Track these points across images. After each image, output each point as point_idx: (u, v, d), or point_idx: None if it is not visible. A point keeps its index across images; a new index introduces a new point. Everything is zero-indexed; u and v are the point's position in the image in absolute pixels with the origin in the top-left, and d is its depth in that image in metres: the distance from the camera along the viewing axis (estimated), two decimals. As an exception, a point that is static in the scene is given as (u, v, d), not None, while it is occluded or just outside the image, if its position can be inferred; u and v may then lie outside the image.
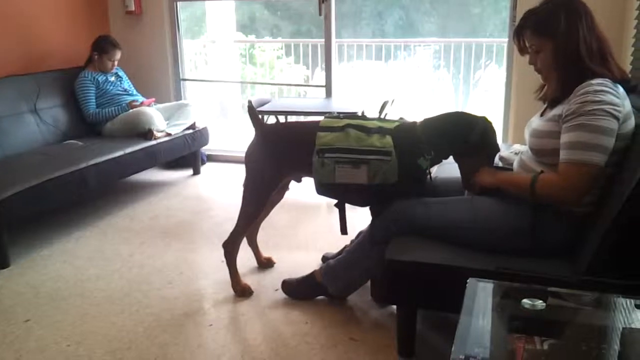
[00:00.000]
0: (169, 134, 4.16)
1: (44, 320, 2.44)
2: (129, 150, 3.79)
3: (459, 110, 2.30)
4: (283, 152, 2.40)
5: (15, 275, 2.89)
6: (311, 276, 2.52)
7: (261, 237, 2.91)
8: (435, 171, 2.75)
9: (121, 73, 4.43)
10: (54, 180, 3.18)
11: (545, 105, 2.07)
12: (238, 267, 2.62)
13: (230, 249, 2.58)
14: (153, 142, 4.01)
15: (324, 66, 4.74)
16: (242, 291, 2.59)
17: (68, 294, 2.67)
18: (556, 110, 1.90)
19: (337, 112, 2.43)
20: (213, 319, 2.41)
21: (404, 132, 2.22)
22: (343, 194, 2.33)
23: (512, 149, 2.87)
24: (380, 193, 2.21)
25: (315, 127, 2.30)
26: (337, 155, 2.20)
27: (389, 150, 2.16)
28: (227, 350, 2.19)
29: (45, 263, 3.02)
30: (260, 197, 2.49)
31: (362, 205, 2.42)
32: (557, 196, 1.85)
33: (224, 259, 2.60)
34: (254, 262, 2.88)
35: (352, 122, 2.27)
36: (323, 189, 2.30)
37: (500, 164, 2.62)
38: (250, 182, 2.48)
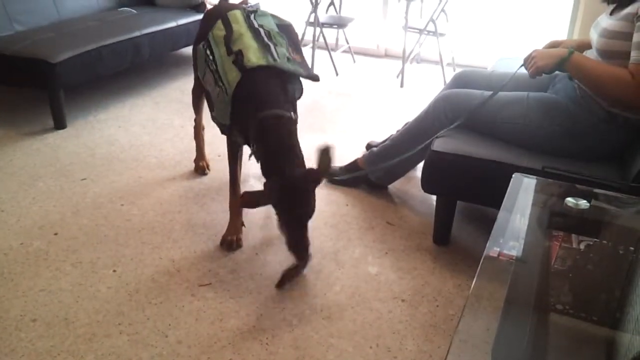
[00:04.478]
0: (221, 8, 4.10)
1: (100, 179, 2.59)
2: (181, 21, 3.78)
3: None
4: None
5: (72, 136, 3.03)
6: (354, 163, 2.57)
7: (308, 120, 2.93)
8: (494, 66, 2.68)
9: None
10: (109, 46, 3.23)
11: (614, 5, 1.93)
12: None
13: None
14: (205, 16, 3.97)
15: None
16: None
17: (123, 157, 2.81)
18: (630, 9, 1.78)
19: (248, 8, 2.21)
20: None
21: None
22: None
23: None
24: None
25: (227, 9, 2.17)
26: (211, 56, 2.04)
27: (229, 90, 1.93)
28: (270, 220, 2.30)
29: (101, 127, 3.15)
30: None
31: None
32: (627, 97, 1.76)
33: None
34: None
35: (257, 23, 2.09)
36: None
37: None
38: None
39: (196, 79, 2.41)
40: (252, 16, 2.14)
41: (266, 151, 1.86)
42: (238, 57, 1.94)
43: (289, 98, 2.00)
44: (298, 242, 1.81)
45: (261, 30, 2.06)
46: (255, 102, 1.88)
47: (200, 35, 2.26)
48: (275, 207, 1.81)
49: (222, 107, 1.96)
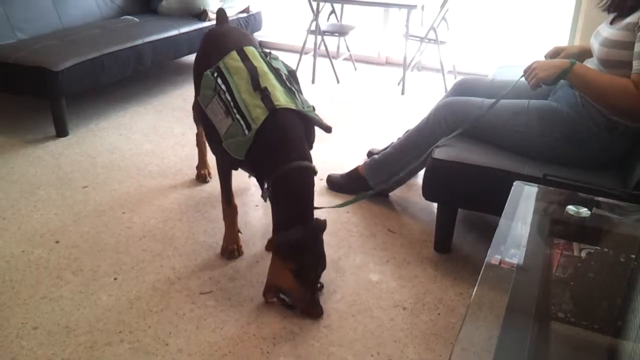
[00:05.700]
0: (223, 17, 4.12)
1: (101, 187, 2.59)
2: (183, 30, 3.80)
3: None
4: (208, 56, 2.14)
5: (74, 144, 3.04)
6: (355, 171, 2.57)
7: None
8: (493, 74, 2.69)
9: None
10: (111, 54, 3.24)
11: (615, 14, 1.94)
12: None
13: None
14: (207, 24, 4.00)
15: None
16: None
17: (124, 165, 2.81)
18: (631, 18, 1.78)
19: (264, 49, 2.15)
20: (259, 199, 2.52)
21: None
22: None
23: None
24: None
25: (242, 41, 2.10)
26: (224, 86, 1.94)
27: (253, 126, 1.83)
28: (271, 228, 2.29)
29: (102, 135, 3.16)
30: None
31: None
32: (631, 107, 1.77)
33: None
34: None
35: (274, 65, 2.02)
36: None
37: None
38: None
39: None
40: (268, 57, 2.09)
41: (289, 202, 1.82)
42: (265, 94, 1.87)
43: (310, 146, 1.98)
44: (311, 297, 1.80)
45: (282, 73, 2.02)
46: (284, 147, 1.83)
47: (204, 58, 2.16)
48: (293, 258, 1.76)
49: (239, 141, 1.84)
